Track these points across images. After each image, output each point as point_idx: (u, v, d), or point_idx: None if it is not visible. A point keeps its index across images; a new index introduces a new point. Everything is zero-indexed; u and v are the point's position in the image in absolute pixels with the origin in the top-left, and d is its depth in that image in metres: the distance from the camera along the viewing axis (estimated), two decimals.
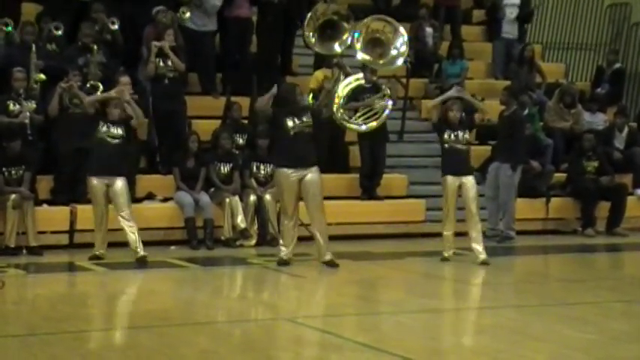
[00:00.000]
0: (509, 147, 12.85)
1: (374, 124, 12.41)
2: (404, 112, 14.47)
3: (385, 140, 13.23)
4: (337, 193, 12.78)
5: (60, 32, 12.53)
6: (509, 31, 16.57)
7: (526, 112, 14.04)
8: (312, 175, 10.65)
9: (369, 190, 13.17)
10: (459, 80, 15.25)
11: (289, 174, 10.66)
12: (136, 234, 10.79)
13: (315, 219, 10.76)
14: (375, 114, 12.40)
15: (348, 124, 12.36)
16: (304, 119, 10.72)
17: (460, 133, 11.28)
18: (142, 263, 10.72)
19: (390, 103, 12.58)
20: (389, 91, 12.65)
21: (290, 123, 10.65)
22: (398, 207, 13.34)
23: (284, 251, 10.84)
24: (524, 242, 13.06)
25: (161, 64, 12.59)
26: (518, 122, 13.06)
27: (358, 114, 12.28)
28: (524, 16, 16.86)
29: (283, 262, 10.82)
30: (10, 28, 12.37)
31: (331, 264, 10.77)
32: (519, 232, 13.12)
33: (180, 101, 12.89)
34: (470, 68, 15.79)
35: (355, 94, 12.48)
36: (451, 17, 16.92)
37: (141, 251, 10.78)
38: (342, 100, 12.15)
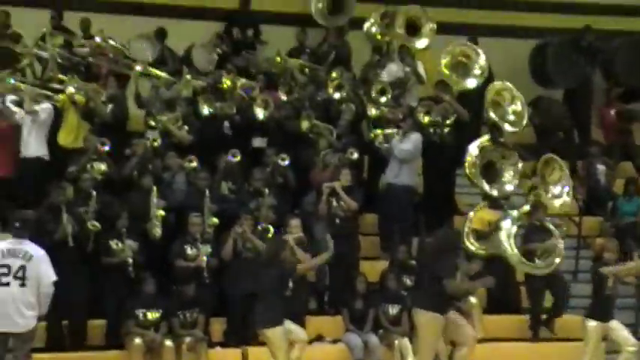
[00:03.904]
0: None
1: (554, 265, 12.23)
2: (577, 251, 14.15)
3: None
4: (507, 334, 12.51)
5: (238, 158, 12.92)
6: None
7: None
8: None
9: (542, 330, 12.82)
10: (636, 219, 14.84)
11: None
12: None
13: None
14: (554, 254, 12.22)
15: (526, 267, 12.16)
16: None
17: None
18: None
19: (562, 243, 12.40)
20: (561, 231, 12.47)
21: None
22: (574, 350, 12.88)
23: None
24: None
25: (334, 203, 12.85)
26: None
27: (540, 257, 12.12)
28: None
29: None
30: (107, 148, 12.73)
31: None
32: None
33: (354, 241, 13.06)
34: None
35: (528, 234, 12.35)
36: (627, 154, 16.62)
37: None
38: (514, 240, 11.98)
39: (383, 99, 14.27)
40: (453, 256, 10.36)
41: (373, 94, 14.33)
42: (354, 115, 14.20)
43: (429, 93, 14.73)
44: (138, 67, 14.02)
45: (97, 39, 14.26)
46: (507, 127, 12.33)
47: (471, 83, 14.15)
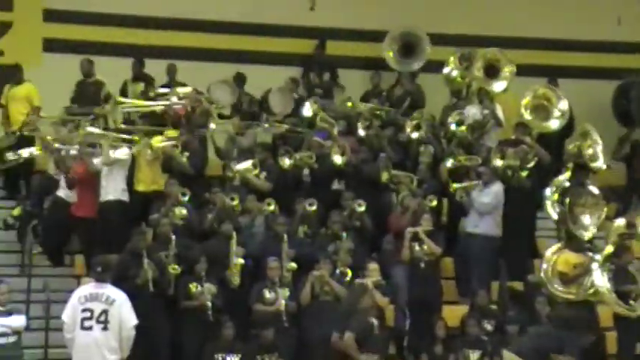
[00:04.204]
0: None
1: None
2: None
3: None
4: None
5: (314, 208, 12.96)
6: None
7: None
8: None
9: None
10: None
11: None
12: None
13: None
14: None
15: (624, 309, 11.92)
16: None
17: None
18: None
19: None
20: None
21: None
22: None
23: None
24: None
25: (417, 248, 12.78)
26: None
27: (635, 299, 11.88)
28: None
29: None
30: (187, 198, 12.81)
31: None
32: None
33: (436, 287, 12.97)
34: None
35: (616, 277, 12.10)
36: None
37: None
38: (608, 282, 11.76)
39: (461, 128, 14.20)
40: (584, 337, 10.29)
41: (450, 124, 14.27)
42: (432, 156, 14.15)
43: (508, 135, 14.62)
44: (212, 126, 14.13)
45: (174, 98, 14.42)
46: (593, 166, 12.16)
47: (552, 126, 14.02)
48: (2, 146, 14.48)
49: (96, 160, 12.89)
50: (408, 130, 14.53)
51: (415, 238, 12.80)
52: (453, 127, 14.45)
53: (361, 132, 14.56)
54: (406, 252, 12.78)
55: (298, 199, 13.31)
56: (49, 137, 13.61)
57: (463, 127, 14.30)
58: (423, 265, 12.75)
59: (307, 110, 14.77)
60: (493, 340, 12.44)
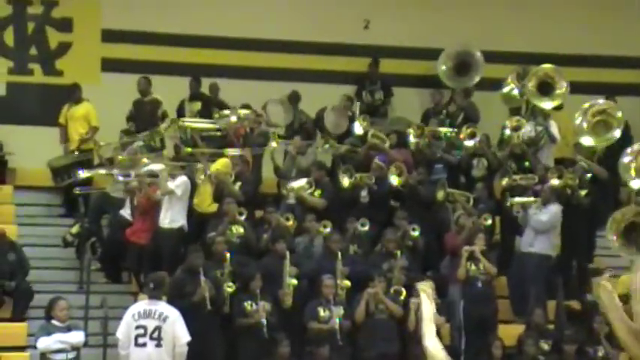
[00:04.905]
0: None
1: None
2: None
3: None
4: None
5: (365, 228, 12.98)
6: None
7: None
8: None
9: None
10: None
11: None
12: None
13: None
14: None
15: None
16: None
17: None
18: None
19: None
20: None
21: None
22: None
23: None
24: None
25: (472, 267, 12.75)
26: None
27: None
28: None
29: None
30: (244, 216, 12.81)
31: None
32: None
33: (492, 306, 12.90)
34: None
35: None
36: None
37: None
38: None
39: (519, 133, 14.21)
40: None
41: (507, 132, 14.25)
42: (485, 169, 14.09)
43: (563, 150, 14.50)
44: (273, 144, 14.22)
45: (233, 118, 14.52)
46: None
47: (610, 140, 13.82)
48: (61, 165, 14.69)
49: (158, 193, 12.92)
50: (462, 136, 14.49)
51: (471, 257, 12.76)
52: (507, 131, 14.37)
53: (412, 140, 14.54)
54: (462, 271, 12.73)
55: (350, 218, 13.32)
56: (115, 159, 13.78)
57: (518, 134, 14.20)
58: (480, 284, 12.70)
59: (358, 128, 14.77)
60: (550, 359, 12.32)
